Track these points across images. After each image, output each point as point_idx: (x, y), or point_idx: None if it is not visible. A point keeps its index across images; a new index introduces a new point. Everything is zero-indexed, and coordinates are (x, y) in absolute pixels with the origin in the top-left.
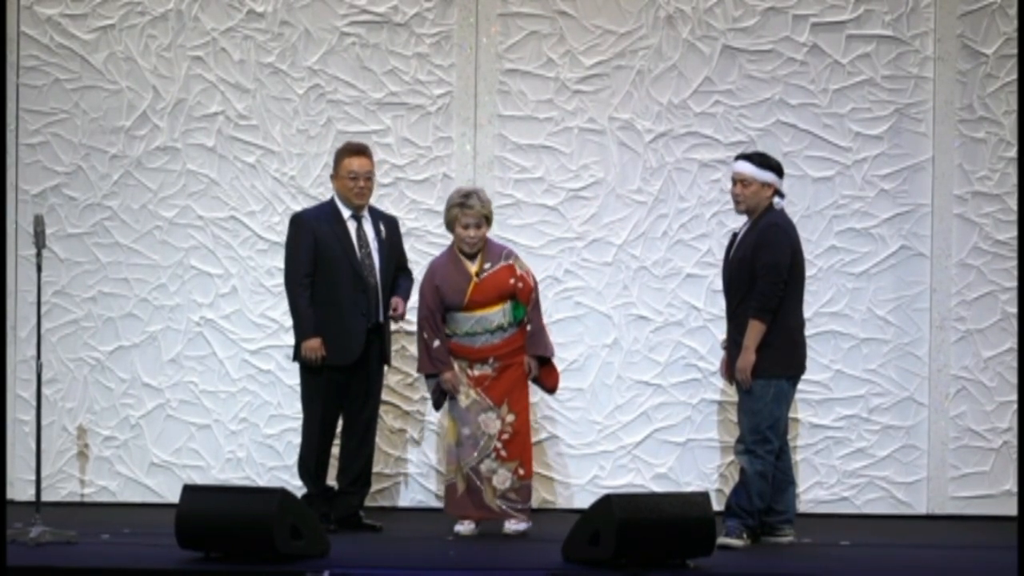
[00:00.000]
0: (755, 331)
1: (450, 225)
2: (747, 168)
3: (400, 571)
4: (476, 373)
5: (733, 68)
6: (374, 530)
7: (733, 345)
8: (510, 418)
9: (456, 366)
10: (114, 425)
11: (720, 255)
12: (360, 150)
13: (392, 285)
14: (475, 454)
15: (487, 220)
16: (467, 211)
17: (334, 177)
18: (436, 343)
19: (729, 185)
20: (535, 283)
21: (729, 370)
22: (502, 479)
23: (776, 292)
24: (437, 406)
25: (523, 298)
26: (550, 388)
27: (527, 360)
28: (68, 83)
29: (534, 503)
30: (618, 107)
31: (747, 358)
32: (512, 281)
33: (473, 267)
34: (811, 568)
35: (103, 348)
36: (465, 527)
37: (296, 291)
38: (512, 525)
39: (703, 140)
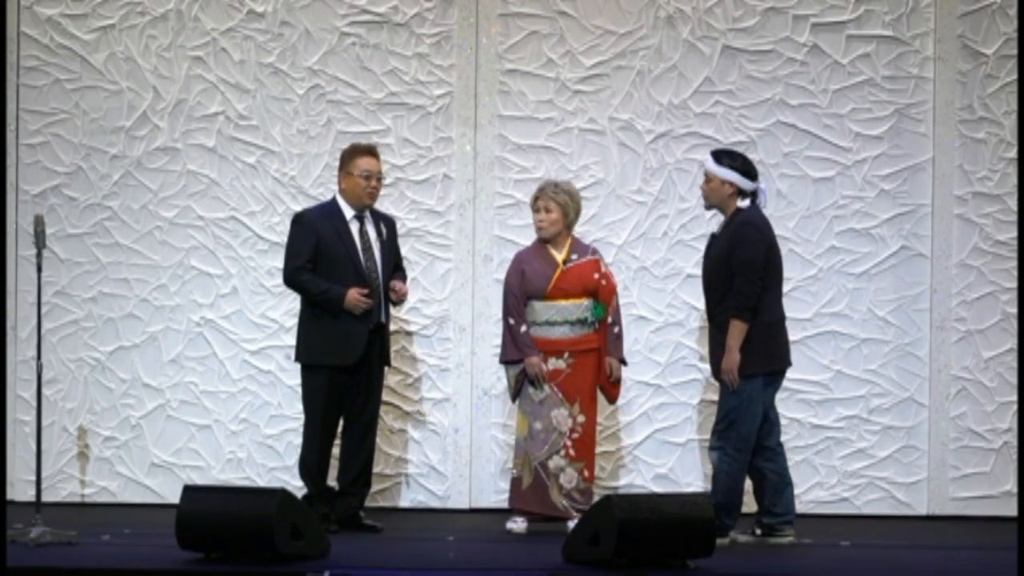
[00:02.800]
0: (737, 331)
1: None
2: (708, 164)
3: (400, 572)
4: (550, 367)
5: (733, 68)
6: (374, 531)
7: (716, 346)
8: (581, 419)
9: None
10: (114, 425)
11: None
12: (372, 150)
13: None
14: (545, 448)
15: (561, 209)
16: (541, 194)
17: (343, 176)
18: (523, 328)
19: None
20: (616, 286)
21: (714, 369)
22: (569, 478)
23: (753, 290)
24: (515, 397)
25: (605, 296)
26: (613, 397)
27: (610, 362)
28: (68, 83)
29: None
30: (618, 107)
31: (731, 359)
32: (596, 276)
33: (560, 256)
34: (811, 568)
35: (103, 348)
36: (518, 525)
37: (298, 277)
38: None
39: (703, 140)
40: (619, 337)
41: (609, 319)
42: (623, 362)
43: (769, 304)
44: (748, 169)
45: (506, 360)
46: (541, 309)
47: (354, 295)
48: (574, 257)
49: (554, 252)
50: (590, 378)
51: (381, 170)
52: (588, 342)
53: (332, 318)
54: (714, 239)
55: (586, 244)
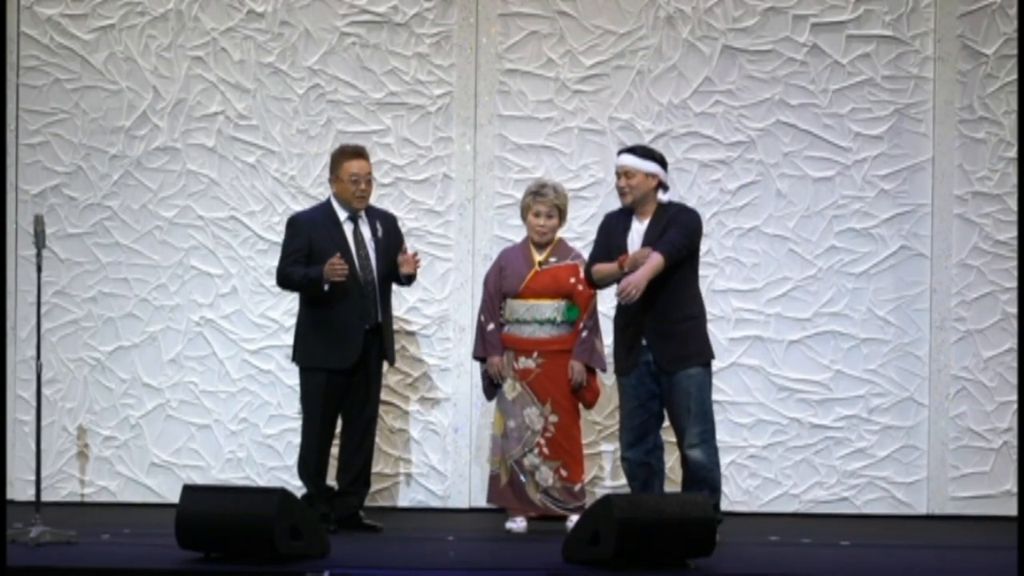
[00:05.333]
0: (656, 266)
1: (523, 213)
2: (629, 160)
3: (400, 571)
4: (521, 366)
5: (733, 68)
6: (374, 530)
7: (651, 333)
8: (553, 418)
9: (505, 356)
10: (114, 425)
11: (720, 255)
12: (359, 152)
13: (389, 281)
14: (519, 447)
15: (560, 213)
16: (540, 200)
17: (333, 180)
18: (491, 327)
19: (729, 184)
20: (595, 293)
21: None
22: (544, 476)
23: (685, 249)
24: (488, 395)
25: (580, 300)
26: (588, 402)
27: (572, 364)
28: (68, 83)
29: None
30: (618, 107)
31: (642, 281)
32: (572, 280)
33: (539, 257)
34: (811, 568)
35: (103, 348)
36: (517, 524)
37: (286, 273)
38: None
39: (703, 140)
40: (587, 342)
41: (581, 323)
42: (597, 369)
43: (701, 295)
44: (664, 160)
45: (475, 357)
46: (514, 307)
47: (329, 264)
48: (552, 260)
49: (535, 252)
50: (563, 379)
51: (370, 171)
52: (559, 343)
53: (328, 315)
54: (630, 231)
55: (570, 247)
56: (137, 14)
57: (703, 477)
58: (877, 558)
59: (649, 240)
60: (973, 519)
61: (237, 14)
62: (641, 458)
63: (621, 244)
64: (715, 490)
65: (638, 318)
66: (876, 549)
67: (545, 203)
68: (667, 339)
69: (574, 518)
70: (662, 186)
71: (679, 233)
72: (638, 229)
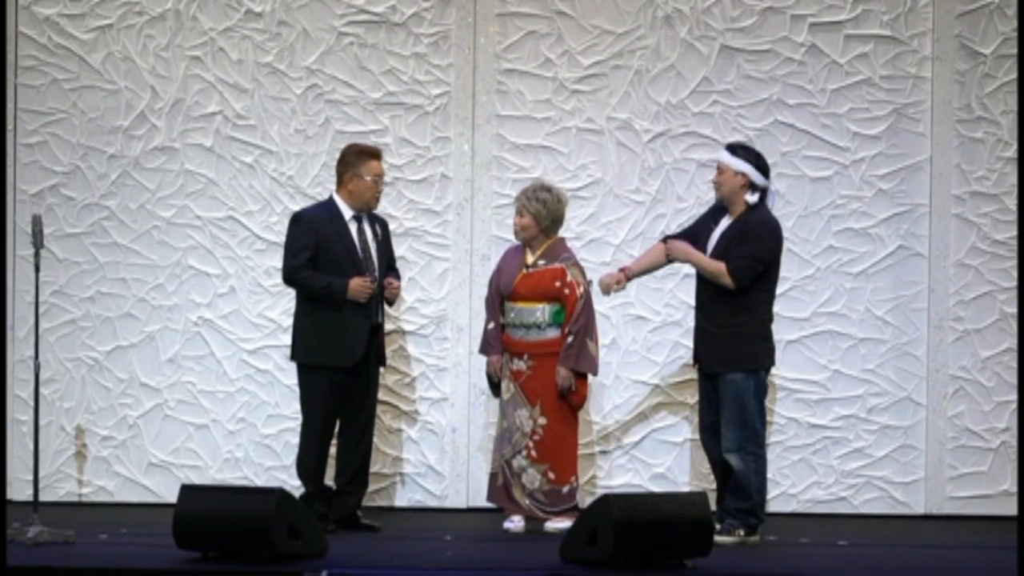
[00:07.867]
0: (711, 269)
1: None
2: (723, 156)
3: (398, 571)
4: (514, 368)
5: (731, 68)
6: (372, 530)
7: (706, 337)
8: (542, 421)
9: (505, 356)
10: (112, 425)
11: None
12: (380, 153)
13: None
14: (509, 447)
15: (533, 217)
16: (520, 197)
17: (352, 177)
18: (491, 325)
19: None
20: (582, 297)
21: (704, 362)
22: (531, 479)
23: (745, 276)
24: (493, 391)
25: (568, 305)
26: (574, 405)
27: (557, 370)
28: (66, 83)
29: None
30: (616, 107)
31: (684, 251)
32: (557, 284)
33: (530, 259)
34: (809, 568)
35: (101, 348)
36: (515, 524)
37: (298, 275)
38: (554, 524)
39: (701, 140)
40: (572, 347)
41: (567, 328)
42: (586, 373)
43: (766, 301)
44: (762, 164)
45: (480, 352)
46: (508, 309)
47: (358, 282)
48: (541, 263)
49: (528, 254)
50: (552, 382)
51: None
52: (547, 346)
53: (333, 313)
54: (716, 226)
55: (563, 250)
56: (135, 14)
57: (736, 483)
58: (875, 558)
59: (722, 244)
60: (971, 519)
61: (235, 14)
62: (719, 456)
63: (705, 237)
64: (746, 497)
65: (696, 317)
66: (874, 549)
67: (520, 201)
68: (709, 341)
69: (555, 520)
70: (752, 187)
71: (742, 257)
72: (723, 227)
